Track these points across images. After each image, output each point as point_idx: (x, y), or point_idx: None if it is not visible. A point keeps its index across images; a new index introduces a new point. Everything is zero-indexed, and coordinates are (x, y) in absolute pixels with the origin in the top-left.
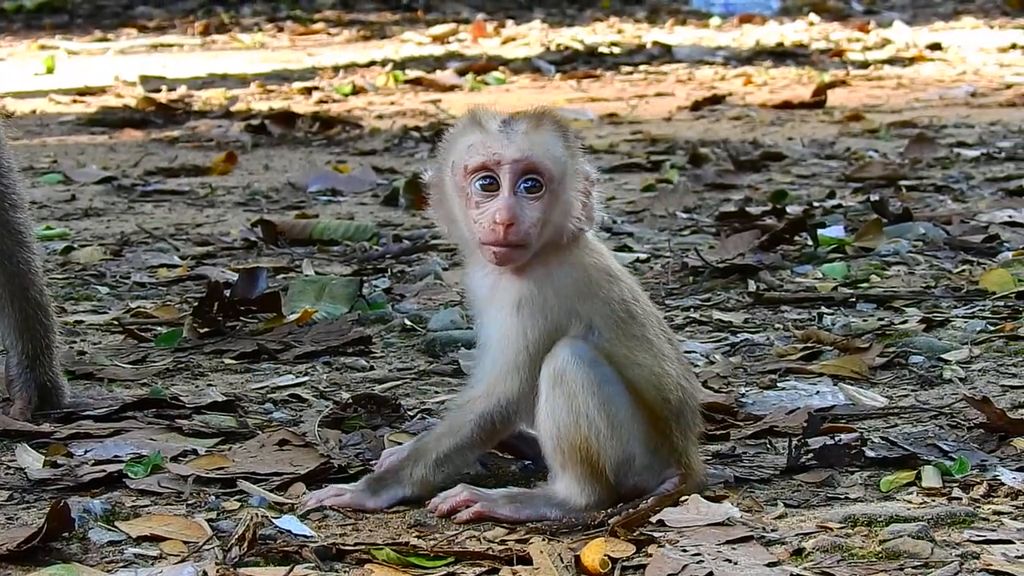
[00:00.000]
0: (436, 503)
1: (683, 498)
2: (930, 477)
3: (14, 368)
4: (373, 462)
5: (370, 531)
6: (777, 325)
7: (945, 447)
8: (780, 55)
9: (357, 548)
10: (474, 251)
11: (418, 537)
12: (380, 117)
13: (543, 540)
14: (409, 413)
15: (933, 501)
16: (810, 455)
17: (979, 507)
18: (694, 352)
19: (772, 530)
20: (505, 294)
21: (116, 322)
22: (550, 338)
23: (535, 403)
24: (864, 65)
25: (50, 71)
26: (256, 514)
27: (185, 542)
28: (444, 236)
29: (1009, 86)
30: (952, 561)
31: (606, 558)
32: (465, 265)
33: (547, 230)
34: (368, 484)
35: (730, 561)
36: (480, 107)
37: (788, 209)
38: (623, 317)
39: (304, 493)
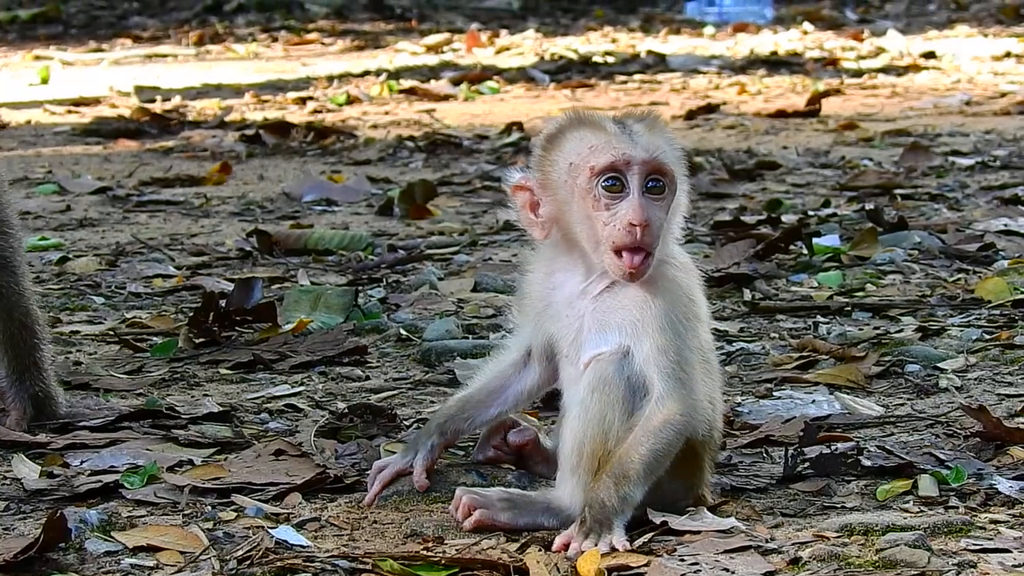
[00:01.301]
0: (452, 512)
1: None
2: (927, 486)
3: (3, 380)
4: (368, 472)
5: (367, 540)
6: (773, 334)
7: (942, 456)
8: (774, 64)
9: (354, 557)
10: (572, 254)
11: (418, 546)
12: (375, 127)
13: (539, 550)
14: (405, 423)
15: (930, 510)
16: (806, 464)
17: (976, 516)
18: None
19: (769, 539)
20: (624, 306)
21: (112, 332)
22: (686, 322)
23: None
24: (858, 74)
25: (45, 81)
26: (265, 536)
27: (182, 552)
28: (535, 237)
29: (1003, 94)
30: (949, 570)
31: (602, 568)
32: (541, 263)
33: (665, 234)
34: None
35: (727, 570)
36: (584, 109)
37: (783, 218)
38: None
39: (300, 503)
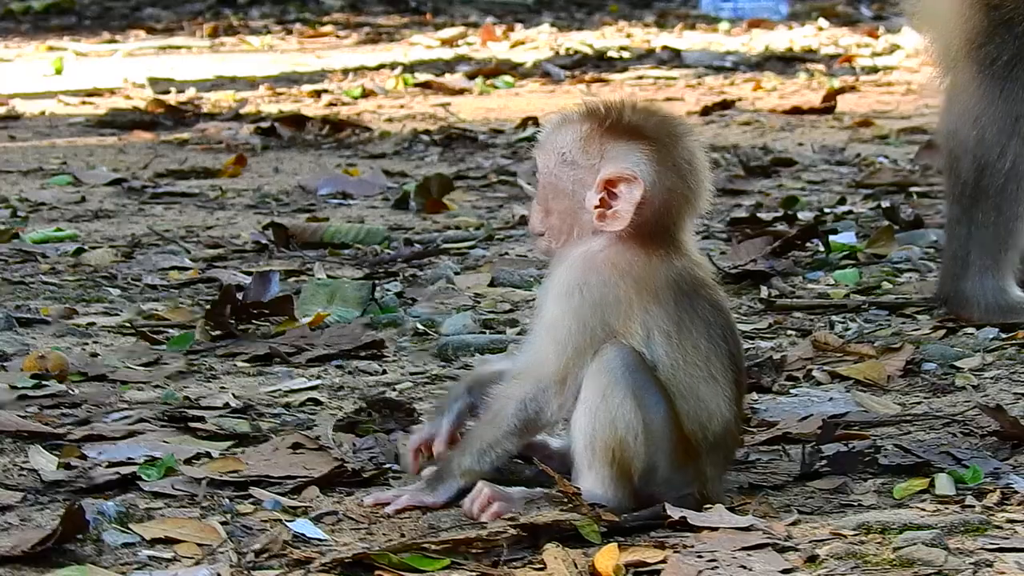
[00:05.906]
0: (467, 506)
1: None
2: (944, 485)
3: None
4: (387, 465)
5: (384, 535)
6: (789, 331)
7: (958, 455)
8: (789, 60)
9: (369, 552)
10: None
11: (432, 540)
12: (390, 120)
13: (557, 546)
14: (422, 417)
15: (947, 509)
16: (824, 462)
17: (992, 515)
18: None
19: (786, 537)
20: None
21: (128, 324)
22: (599, 333)
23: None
24: (873, 70)
25: (58, 72)
26: (282, 529)
27: (199, 544)
28: None
29: None
30: (966, 569)
31: (620, 564)
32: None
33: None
34: (428, 482)
35: (745, 567)
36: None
37: (799, 215)
38: (687, 340)
39: (318, 496)
